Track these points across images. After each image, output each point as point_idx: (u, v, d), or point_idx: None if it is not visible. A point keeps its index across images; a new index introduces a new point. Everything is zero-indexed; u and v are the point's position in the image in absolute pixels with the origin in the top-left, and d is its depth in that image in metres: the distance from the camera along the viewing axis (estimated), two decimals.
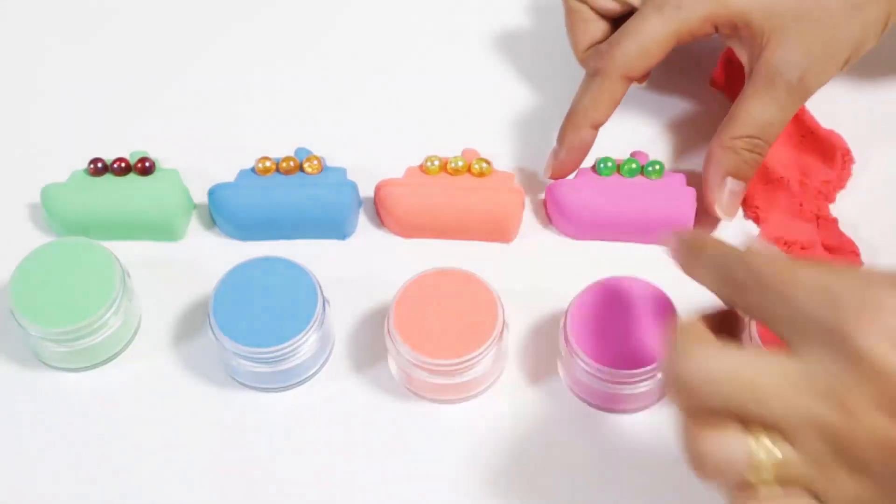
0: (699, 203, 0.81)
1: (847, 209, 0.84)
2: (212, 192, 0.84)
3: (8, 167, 0.88)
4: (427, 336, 0.76)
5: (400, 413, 0.78)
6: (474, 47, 0.92)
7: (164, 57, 0.92)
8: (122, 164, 0.84)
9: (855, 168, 0.85)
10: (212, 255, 0.83)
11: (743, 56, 0.79)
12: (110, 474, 0.77)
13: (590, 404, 0.78)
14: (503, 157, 0.86)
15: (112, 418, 0.79)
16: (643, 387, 0.76)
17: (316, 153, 0.84)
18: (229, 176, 0.84)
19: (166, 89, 0.91)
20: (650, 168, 0.82)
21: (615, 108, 0.80)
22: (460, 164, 0.83)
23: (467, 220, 0.82)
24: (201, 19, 0.94)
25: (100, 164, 0.84)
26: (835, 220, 0.83)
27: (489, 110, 0.89)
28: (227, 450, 0.77)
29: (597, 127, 0.80)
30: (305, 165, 0.84)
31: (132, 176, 0.84)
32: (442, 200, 0.82)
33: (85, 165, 0.84)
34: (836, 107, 0.87)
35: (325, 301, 0.78)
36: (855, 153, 0.85)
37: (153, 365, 0.80)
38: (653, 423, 0.78)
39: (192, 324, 0.81)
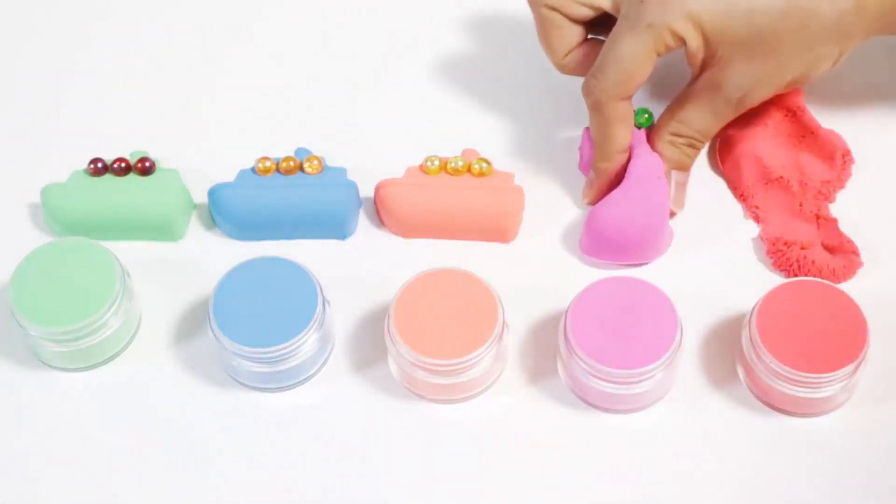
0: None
1: (847, 209, 0.84)
2: (212, 192, 0.84)
3: (8, 167, 0.88)
4: (427, 336, 0.76)
5: (400, 413, 0.78)
6: (474, 47, 0.92)
7: (165, 57, 0.92)
8: (122, 164, 0.84)
9: (855, 168, 0.85)
10: (212, 255, 0.83)
11: (694, 62, 0.80)
12: (110, 474, 0.77)
13: (590, 404, 0.78)
14: (503, 158, 0.86)
15: (112, 418, 0.79)
16: (643, 387, 0.76)
17: (316, 153, 0.84)
18: (229, 176, 0.84)
19: (166, 89, 0.91)
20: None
21: (631, 124, 0.82)
22: (460, 164, 0.83)
23: (467, 220, 0.82)
24: (202, 20, 0.94)
25: (100, 164, 0.84)
26: (835, 220, 0.83)
27: (489, 110, 0.89)
28: (227, 450, 0.77)
29: (625, 151, 0.82)
30: (305, 165, 0.84)
31: (132, 176, 0.84)
32: (442, 200, 0.82)
33: (85, 165, 0.84)
34: (836, 107, 0.87)
35: (325, 301, 0.78)
36: (855, 153, 0.85)
37: (153, 365, 0.80)
38: (653, 423, 0.78)
39: (192, 324, 0.81)
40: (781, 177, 0.84)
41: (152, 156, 0.84)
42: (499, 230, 0.83)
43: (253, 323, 0.76)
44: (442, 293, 0.77)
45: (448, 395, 0.78)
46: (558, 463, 0.77)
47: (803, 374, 0.74)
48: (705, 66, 0.80)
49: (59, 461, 0.77)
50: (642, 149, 0.82)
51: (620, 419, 0.78)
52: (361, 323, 0.81)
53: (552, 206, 0.85)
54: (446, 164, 0.83)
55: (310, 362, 0.78)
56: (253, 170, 0.84)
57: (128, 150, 0.85)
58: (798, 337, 0.75)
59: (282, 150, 0.85)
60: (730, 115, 0.81)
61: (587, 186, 0.84)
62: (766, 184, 0.84)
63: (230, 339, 0.76)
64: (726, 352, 0.79)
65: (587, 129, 0.83)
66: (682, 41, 0.78)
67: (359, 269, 0.83)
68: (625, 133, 0.81)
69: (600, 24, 0.82)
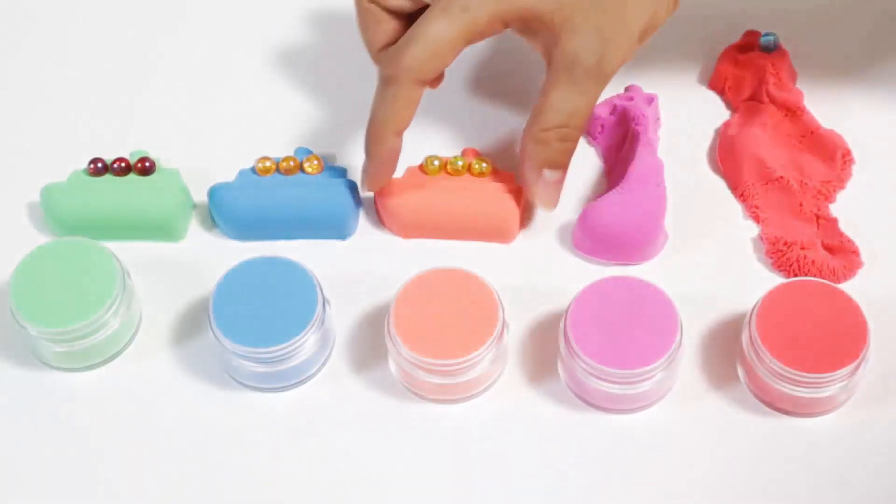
0: (525, 199, 0.82)
1: (847, 209, 0.84)
2: (212, 192, 0.84)
3: (8, 167, 0.88)
4: (427, 336, 0.76)
5: (400, 413, 0.78)
6: (475, 46, 0.92)
7: (165, 57, 0.92)
8: (122, 164, 0.84)
9: (855, 168, 0.85)
10: (212, 255, 0.83)
11: (539, 48, 0.78)
12: (110, 474, 0.77)
13: (590, 404, 0.78)
14: (504, 158, 0.86)
15: (112, 418, 0.79)
16: (643, 387, 0.76)
17: (316, 153, 0.84)
18: (229, 176, 0.84)
19: (167, 89, 0.91)
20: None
21: (414, 112, 0.78)
22: (460, 164, 0.83)
23: (467, 220, 0.82)
24: (202, 20, 0.94)
25: (100, 164, 0.84)
26: (835, 220, 0.83)
27: (489, 110, 0.89)
28: (227, 450, 0.77)
29: (400, 134, 0.78)
30: (305, 165, 0.84)
31: (132, 176, 0.84)
32: (442, 201, 0.82)
33: (85, 165, 0.84)
34: (836, 107, 0.87)
35: (325, 301, 0.78)
36: (855, 153, 0.85)
37: (153, 365, 0.80)
38: (653, 423, 0.78)
39: (192, 324, 0.81)
40: (781, 177, 0.84)
41: (152, 156, 0.84)
42: (499, 231, 0.83)
43: (253, 323, 0.76)
44: (442, 293, 0.77)
45: (448, 395, 0.78)
46: (558, 463, 0.77)
47: (803, 374, 0.74)
48: (551, 44, 0.76)
49: (59, 461, 0.77)
50: (644, 150, 0.82)
51: (620, 419, 0.78)
52: (361, 323, 0.81)
53: None
54: (446, 164, 0.83)
55: (310, 362, 0.78)
56: (253, 170, 0.84)
57: (128, 150, 0.85)
58: (798, 337, 0.75)
59: (282, 150, 0.85)
60: (595, 89, 0.77)
61: (362, 174, 0.80)
62: (766, 184, 0.84)
63: (230, 339, 0.76)
64: (726, 352, 0.79)
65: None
66: (500, 25, 0.76)
67: (359, 269, 0.83)
68: (407, 117, 0.77)
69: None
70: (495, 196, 0.82)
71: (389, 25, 0.81)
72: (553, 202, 0.81)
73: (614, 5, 0.75)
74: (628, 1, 0.76)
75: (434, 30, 0.76)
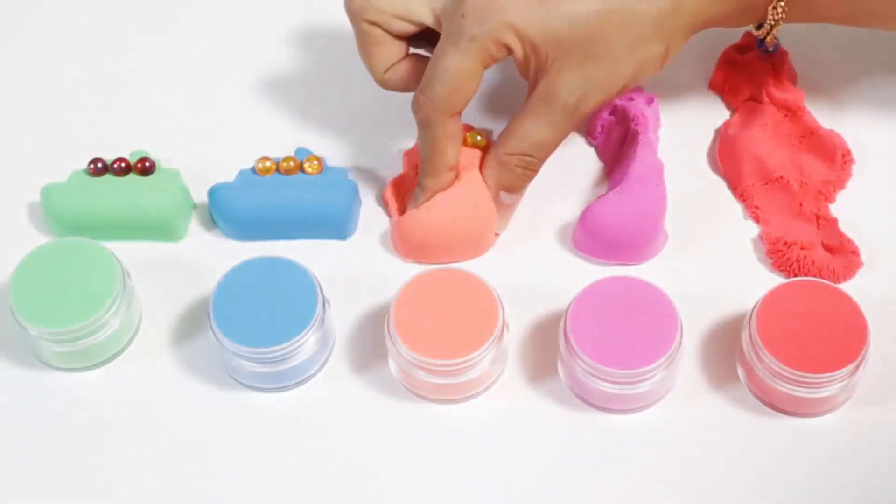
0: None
1: (847, 209, 0.84)
2: (212, 192, 0.84)
3: (8, 167, 0.88)
4: (427, 336, 0.76)
5: (400, 413, 0.78)
6: None
7: (165, 57, 0.92)
8: (122, 164, 0.84)
9: (855, 168, 0.85)
10: (212, 255, 0.83)
11: (527, 73, 0.80)
12: (110, 474, 0.77)
13: (590, 404, 0.78)
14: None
15: (112, 418, 0.79)
16: (643, 387, 0.76)
17: (316, 153, 0.84)
18: (229, 176, 0.84)
19: (167, 89, 0.91)
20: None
21: (460, 142, 0.81)
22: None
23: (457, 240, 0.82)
24: (202, 20, 0.94)
25: (100, 164, 0.84)
26: (835, 220, 0.83)
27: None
28: (227, 450, 0.77)
29: (453, 169, 0.81)
30: (305, 165, 0.84)
31: (132, 176, 0.84)
32: (443, 224, 0.82)
33: (85, 165, 0.84)
34: (836, 107, 0.87)
35: (325, 301, 0.78)
36: (855, 153, 0.85)
37: (153, 365, 0.80)
38: (653, 423, 0.78)
39: (192, 324, 0.81)
40: (781, 177, 0.84)
41: (152, 156, 0.84)
42: (480, 247, 0.83)
43: (253, 323, 0.76)
44: (442, 293, 0.77)
45: (448, 395, 0.78)
46: (558, 463, 0.77)
47: (803, 374, 0.74)
48: (539, 75, 0.79)
49: (59, 461, 0.77)
50: (644, 150, 0.82)
51: (620, 419, 0.78)
52: (361, 323, 0.81)
53: (553, 206, 0.85)
54: None
55: (310, 362, 0.78)
56: (253, 170, 0.84)
57: (128, 150, 0.85)
58: (798, 337, 0.75)
59: (282, 150, 0.85)
60: (566, 127, 0.79)
61: (411, 203, 0.83)
62: (766, 184, 0.84)
63: (230, 339, 0.76)
64: (726, 352, 0.79)
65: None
66: (508, 50, 0.78)
67: (359, 269, 0.83)
68: (454, 150, 0.80)
69: (422, 39, 0.82)
70: (474, 213, 0.82)
71: (392, 46, 0.82)
72: (504, 224, 0.83)
73: (605, 60, 0.78)
74: (619, 59, 0.78)
75: (450, 66, 0.78)
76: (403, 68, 0.82)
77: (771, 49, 0.86)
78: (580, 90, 0.78)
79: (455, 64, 0.77)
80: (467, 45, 0.77)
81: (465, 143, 0.83)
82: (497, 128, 0.85)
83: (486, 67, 0.78)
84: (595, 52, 0.77)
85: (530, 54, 0.78)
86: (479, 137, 0.83)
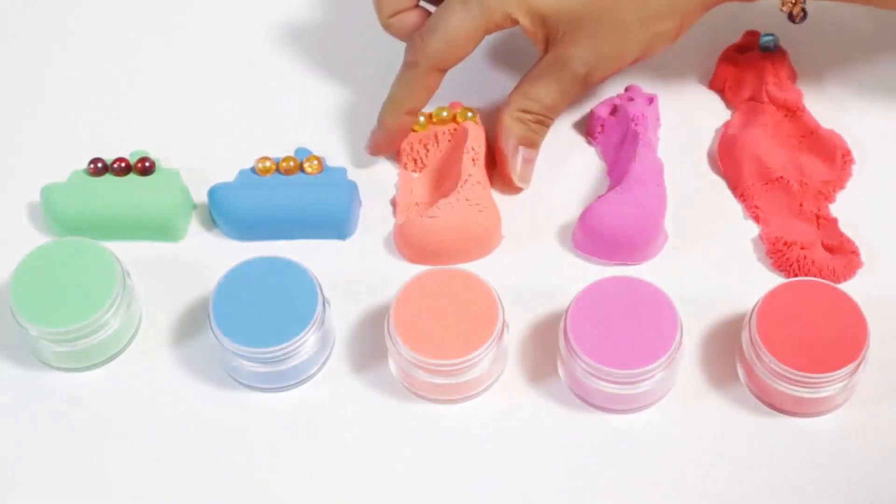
0: (500, 174, 0.84)
1: (847, 209, 0.84)
2: (212, 192, 0.84)
3: (8, 167, 0.88)
4: (427, 336, 0.76)
5: (400, 413, 0.78)
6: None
7: (165, 57, 0.92)
8: (122, 164, 0.84)
9: (855, 168, 0.85)
10: (212, 255, 0.83)
11: (538, 43, 0.82)
12: (110, 474, 0.77)
13: (590, 404, 0.78)
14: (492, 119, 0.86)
15: (112, 418, 0.79)
16: (643, 387, 0.76)
17: (316, 153, 0.85)
18: (229, 176, 0.84)
19: (167, 89, 0.91)
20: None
21: (430, 96, 0.83)
22: (445, 114, 0.85)
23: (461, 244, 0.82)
24: (202, 20, 0.94)
25: (100, 164, 0.84)
26: (835, 220, 0.83)
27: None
28: (227, 450, 0.77)
29: (413, 113, 0.83)
30: (305, 165, 0.84)
31: (132, 176, 0.84)
32: (446, 229, 0.82)
33: (85, 165, 0.84)
34: (836, 107, 0.87)
35: (325, 301, 0.78)
36: (855, 153, 0.85)
37: (153, 365, 0.80)
38: (653, 423, 0.78)
39: (192, 324, 0.81)
40: (781, 177, 0.84)
41: (152, 156, 0.84)
42: (485, 249, 0.83)
43: (253, 323, 0.76)
44: (442, 293, 0.77)
45: (448, 395, 0.78)
46: (558, 463, 0.77)
47: (803, 374, 0.74)
48: (550, 44, 0.81)
49: (59, 461, 0.77)
50: (644, 150, 0.82)
51: (620, 419, 0.78)
52: (361, 323, 0.81)
53: (553, 206, 0.85)
54: (431, 115, 0.85)
55: (310, 362, 0.79)
56: (253, 170, 0.84)
57: (128, 150, 0.85)
58: (798, 337, 0.75)
59: (282, 150, 0.85)
60: (576, 93, 0.82)
61: (370, 138, 0.85)
62: (766, 184, 0.84)
63: (230, 339, 0.76)
64: (726, 352, 0.79)
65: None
66: (514, 22, 0.80)
67: (359, 269, 0.83)
68: (422, 99, 0.82)
69: None
70: (477, 218, 0.82)
71: None
72: (528, 178, 0.84)
73: (617, 34, 0.80)
74: (630, 33, 0.80)
75: (453, 22, 0.80)
76: (409, 18, 0.83)
77: (798, 21, 0.86)
78: (591, 62, 0.80)
79: (458, 21, 0.79)
80: (476, 9, 0.79)
81: (456, 119, 0.85)
82: (486, 107, 0.87)
83: (487, 33, 0.80)
84: (608, 26, 0.79)
85: (539, 28, 0.80)
86: (469, 114, 0.85)
